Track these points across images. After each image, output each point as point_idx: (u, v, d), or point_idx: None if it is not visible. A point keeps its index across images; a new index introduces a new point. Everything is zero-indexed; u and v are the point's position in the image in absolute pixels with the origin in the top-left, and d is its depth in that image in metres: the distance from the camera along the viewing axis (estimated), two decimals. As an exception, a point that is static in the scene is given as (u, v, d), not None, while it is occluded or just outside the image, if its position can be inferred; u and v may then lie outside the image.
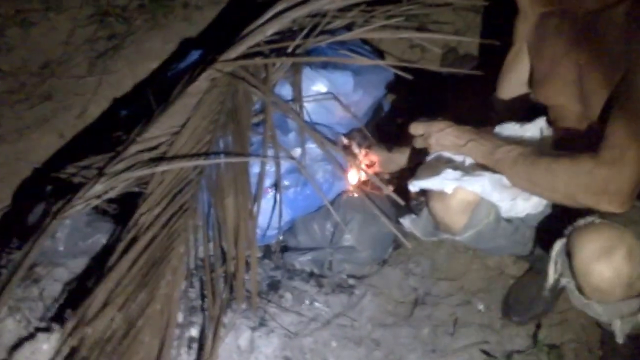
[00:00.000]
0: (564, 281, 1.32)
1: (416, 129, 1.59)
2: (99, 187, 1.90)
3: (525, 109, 1.72)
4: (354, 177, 2.01)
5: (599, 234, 1.23)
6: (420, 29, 2.45)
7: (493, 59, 2.46)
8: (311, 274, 1.97)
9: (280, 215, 1.85)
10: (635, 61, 1.26)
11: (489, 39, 2.41)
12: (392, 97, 2.41)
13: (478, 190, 1.46)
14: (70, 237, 1.94)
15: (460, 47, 2.54)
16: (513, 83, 1.75)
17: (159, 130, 2.01)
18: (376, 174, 1.96)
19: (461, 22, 2.55)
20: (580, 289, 1.28)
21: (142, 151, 1.98)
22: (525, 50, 1.69)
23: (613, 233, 1.22)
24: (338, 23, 2.13)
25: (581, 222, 1.27)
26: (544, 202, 1.51)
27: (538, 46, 1.60)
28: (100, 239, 1.97)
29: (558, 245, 1.32)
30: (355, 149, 2.06)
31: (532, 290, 1.78)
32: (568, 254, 1.29)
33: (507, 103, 1.77)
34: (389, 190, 1.88)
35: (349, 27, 2.16)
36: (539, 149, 1.43)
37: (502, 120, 1.60)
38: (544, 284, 1.75)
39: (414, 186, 1.54)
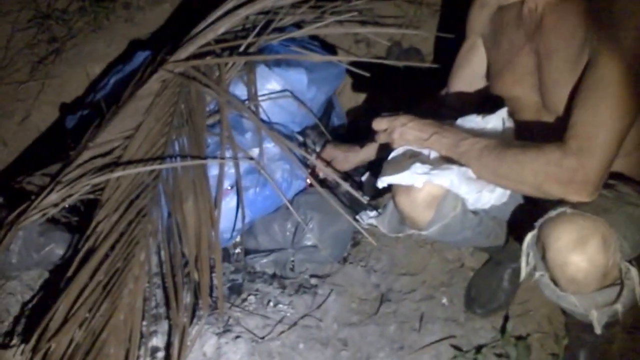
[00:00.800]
0: (537, 274, 1.26)
1: (379, 124, 1.50)
2: (54, 196, 1.75)
3: (480, 103, 1.66)
4: (312, 175, 1.91)
5: (572, 224, 1.17)
6: (365, 23, 2.37)
7: (436, 50, 2.44)
8: (273, 276, 1.86)
9: (243, 217, 1.73)
10: (599, 48, 1.21)
11: (435, 32, 2.39)
12: (342, 93, 2.33)
13: (447, 183, 1.38)
14: (23, 249, 1.82)
15: (404, 40, 2.48)
16: (467, 77, 1.68)
17: (111, 135, 1.87)
18: (333, 171, 1.87)
19: (404, 16, 2.49)
20: (554, 281, 1.22)
21: (95, 157, 1.84)
22: (479, 43, 1.62)
23: (586, 223, 1.16)
24: (289, 20, 2.02)
25: (552, 213, 1.20)
26: (507, 193, 1.44)
27: (495, 37, 1.53)
28: (55, 249, 1.85)
29: (529, 238, 1.25)
30: (311, 146, 1.97)
31: (493, 281, 1.72)
32: (540, 246, 1.23)
33: (460, 97, 1.70)
34: (347, 186, 1.79)
35: (299, 24, 2.06)
36: (503, 140, 1.36)
37: (455, 115, 1.53)
38: (503, 274, 1.74)
39: (382, 182, 1.45)
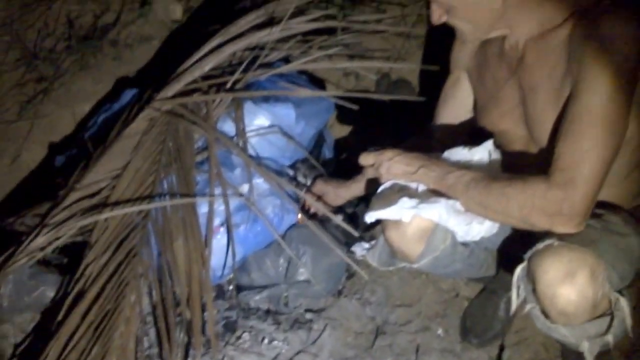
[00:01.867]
0: (527, 307, 1.28)
1: (366, 159, 1.53)
2: (41, 240, 1.77)
3: (467, 135, 1.70)
4: (303, 209, 1.93)
5: (559, 256, 1.19)
6: (354, 56, 2.41)
7: (425, 82, 2.49)
8: (267, 312, 1.87)
9: (234, 255, 1.75)
10: (580, 80, 1.24)
11: (423, 64, 2.44)
12: (333, 126, 2.36)
13: (435, 217, 1.41)
14: (14, 292, 1.83)
15: (393, 72, 2.53)
16: (453, 110, 1.71)
17: (98, 175, 1.89)
18: (325, 204, 1.89)
19: (391, 49, 2.53)
20: (545, 313, 1.24)
21: (83, 198, 1.86)
22: (464, 77, 1.66)
23: (574, 255, 1.18)
24: (276, 55, 2.06)
25: (540, 245, 1.23)
26: (497, 224, 1.47)
27: (479, 73, 1.57)
28: (46, 291, 1.87)
29: (519, 270, 1.27)
30: (302, 180, 1.99)
31: (488, 311, 1.74)
32: (530, 278, 1.25)
33: (447, 130, 1.73)
34: (339, 220, 1.82)
35: (286, 59, 2.09)
36: (490, 173, 1.39)
37: (443, 147, 1.56)
38: (498, 303, 1.75)
39: (370, 217, 1.47)
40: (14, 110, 2.72)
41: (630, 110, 1.23)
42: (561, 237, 1.22)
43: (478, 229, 1.46)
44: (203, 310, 1.65)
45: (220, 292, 1.92)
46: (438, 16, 1.42)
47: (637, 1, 1.30)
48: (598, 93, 1.21)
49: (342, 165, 2.20)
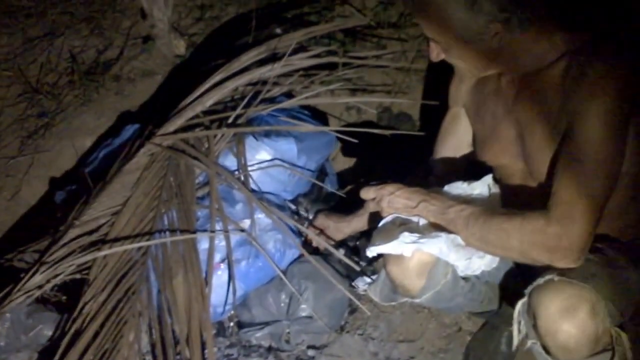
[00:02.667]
0: (529, 342, 1.29)
1: (367, 193, 1.57)
2: (39, 277, 1.79)
3: (466, 169, 1.74)
4: (305, 243, 1.96)
5: (559, 292, 1.21)
6: (355, 91, 2.46)
7: (426, 115, 2.53)
8: (269, 349, 1.88)
9: (235, 291, 1.77)
10: (575, 118, 1.28)
11: (423, 98, 2.49)
12: (336, 159, 2.40)
13: (436, 251, 1.43)
14: (11, 331, 1.83)
15: (394, 106, 2.57)
16: (452, 146, 1.75)
17: (98, 212, 1.92)
18: (326, 239, 1.91)
19: (392, 83, 2.59)
20: (546, 349, 1.26)
21: (81, 235, 1.88)
22: (462, 113, 1.70)
23: (574, 290, 1.20)
24: (278, 90, 2.11)
25: (540, 280, 1.25)
26: (497, 258, 1.50)
27: (477, 108, 1.61)
28: (44, 330, 1.87)
29: (519, 306, 1.30)
30: (304, 215, 2.02)
31: (490, 346, 1.74)
32: (531, 313, 1.27)
33: (446, 166, 1.76)
34: (340, 254, 1.84)
35: (289, 94, 2.14)
36: (489, 207, 1.42)
37: (441, 183, 1.60)
38: (500, 338, 1.76)
39: (372, 252, 1.50)
40: (14, 145, 2.75)
41: (624, 146, 1.27)
42: (561, 271, 1.25)
43: (479, 263, 1.49)
44: (203, 348, 1.66)
45: (221, 329, 1.93)
46: (436, 54, 1.47)
47: (630, 37, 1.35)
48: (592, 131, 1.26)
49: (345, 200, 2.23)
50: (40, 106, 2.84)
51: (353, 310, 1.99)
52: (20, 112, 2.85)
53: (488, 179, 1.54)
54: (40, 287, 1.79)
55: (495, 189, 1.54)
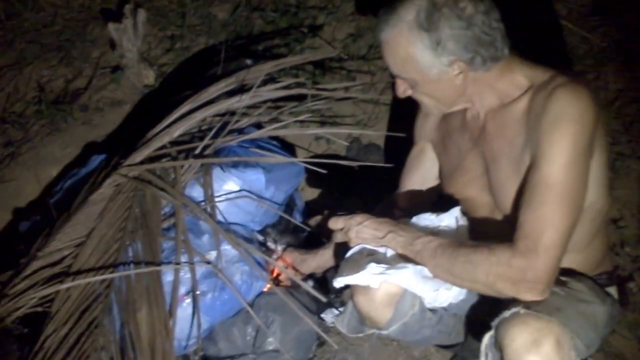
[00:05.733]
0: (496, 375, 1.28)
1: (335, 223, 1.56)
2: (-1, 310, 1.71)
3: (432, 202, 1.73)
4: (272, 275, 1.92)
5: (525, 325, 1.20)
6: (324, 122, 2.46)
7: (395, 147, 2.53)
8: (235, 383, 1.83)
9: (199, 325, 1.72)
10: (538, 152, 1.29)
11: (391, 130, 2.49)
12: (304, 189, 2.37)
13: (403, 283, 1.42)
14: (-29, 365, 1.75)
15: (363, 137, 2.57)
16: (417, 180, 1.76)
17: (61, 243, 1.86)
18: (294, 270, 1.88)
19: (362, 114, 2.59)
20: (514, 382, 1.24)
21: (44, 267, 1.82)
22: (428, 148, 1.71)
23: (539, 323, 1.20)
24: (246, 121, 2.08)
25: (507, 313, 1.24)
26: (464, 290, 1.48)
27: (443, 142, 1.62)
28: (6, 364, 1.79)
29: (486, 339, 1.29)
30: (272, 246, 1.99)
31: (459, 379, 1.73)
32: (498, 346, 1.25)
33: (411, 199, 1.77)
34: (308, 286, 1.80)
35: (257, 125, 2.12)
36: (457, 239, 1.42)
37: (407, 216, 1.59)
38: (469, 371, 1.74)
39: (339, 282, 1.48)
40: (-21, 174, 2.70)
41: (587, 179, 1.28)
42: (527, 304, 1.24)
43: (446, 295, 1.47)
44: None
45: (186, 363, 1.88)
46: (403, 90, 1.47)
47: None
48: (555, 164, 1.27)
49: (313, 232, 2.21)
50: (7, 135, 2.78)
51: (321, 343, 1.95)
52: (-14, 142, 2.80)
53: (455, 211, 1.54)
54: (1, 320, 1.71)
55: (463, 221, 1.53)
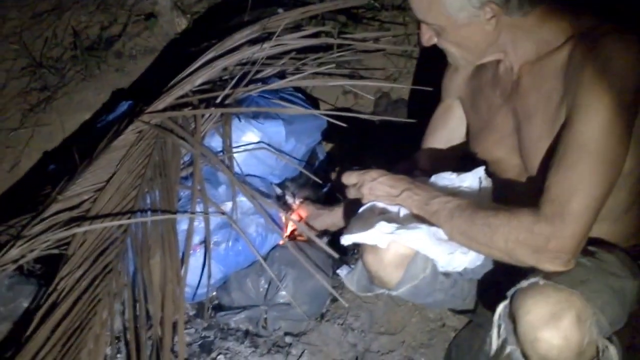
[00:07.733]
0: (508, 348, 1.12)
1: (349, 178, 1.40)
2: (14, 252, 1.65)
3: (453, 166, 1.55)
4: (287, 229, 1.80)
5: (544, 297, 1.04)
6: (352, 75, 2.28)
7: (425, 103, 2.35)
8: (246, 333, 1.73)
9: (209, 274, 1.62)
10: (576, 108, 1.11)
11: (422, 85, 2.30)
12: (327, 144, 2.23)
13: (413, 244, 1.27)
14: (-11, 303, 1.71)
15: (393, 92, 2.39)
16: (442, 139, 1.57)
17: (81, 188, 1.78)
18: (310, 226, 1.76)
19: (393, 68, 2.40)
20: (526, 357, 1.09)
21: (63, 210, 1.74)
22: (456, 105, 1.52)
23: (560, 296, 1.03)
24: (269, 71, 1.94)
25: (524, 283, 1.08)
26: (482, 256, 1.32)
27: (473, 98, 1.43)
28: (23, 303, 1.74)
29: (500, 309, 1.13)
30: (289, 200, 1.86)
31: (474, 344, 1.58)
32: (512, 317, 1.10)
33: (434, 159, 1.59)
34: (322, 243, 1.68)
35: (280, 75, 1.97)
36: (477, 201, 1.25)
37: (428, 176, 1.42)
38: (485, 338, 1.59)
39: (346, 240, 1.34)
40: (16, 117, 2.65)
41: (628, 142, 1.09)
42: (548, 275, 1.08)
43: (461, 260, 1.32)
44: (175, 329, 1.53)
45: (201, 310, 1.79)
46: (428, 38, 1.29)
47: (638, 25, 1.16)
48: (593, 122, 1.08)
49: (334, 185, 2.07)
50: (44, 80, 2.72)
51: (335, 298, 1.83)
52: (24, 85, 2.74)
53: (480, 171, 1.35)
54: (16, 261, 1.65)
55: (487, 183, 1.34)
